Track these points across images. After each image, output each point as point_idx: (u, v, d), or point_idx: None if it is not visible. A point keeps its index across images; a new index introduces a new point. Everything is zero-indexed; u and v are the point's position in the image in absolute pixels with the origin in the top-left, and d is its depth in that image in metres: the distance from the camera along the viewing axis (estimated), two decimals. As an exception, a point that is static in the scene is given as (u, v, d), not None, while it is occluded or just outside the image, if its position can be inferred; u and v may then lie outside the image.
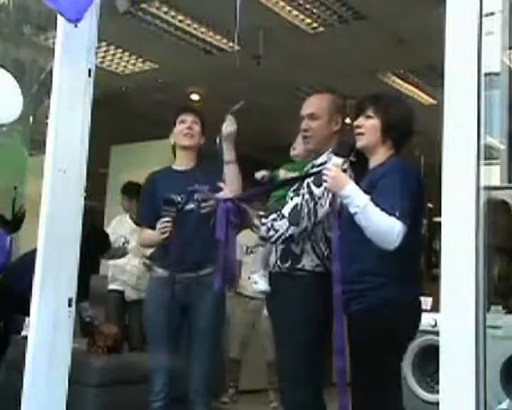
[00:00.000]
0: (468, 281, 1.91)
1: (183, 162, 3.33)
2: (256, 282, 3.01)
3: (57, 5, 2.71)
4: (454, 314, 1.93)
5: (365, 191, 2.48)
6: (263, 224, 2.78)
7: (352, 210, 2.46)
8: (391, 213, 2.39)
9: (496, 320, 3.77)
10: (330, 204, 2.68)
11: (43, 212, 2.86)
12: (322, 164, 2.81)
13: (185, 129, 3.29)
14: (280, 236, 2.75)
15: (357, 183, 2.53)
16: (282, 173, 3.18)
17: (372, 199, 2.44)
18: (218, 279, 2.81)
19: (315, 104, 2.96)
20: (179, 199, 3.15)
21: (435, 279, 2.16)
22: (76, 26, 2.79)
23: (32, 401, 2.75)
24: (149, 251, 3.99)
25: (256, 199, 3.27)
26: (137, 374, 3.34)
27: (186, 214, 3.13)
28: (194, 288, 3.14)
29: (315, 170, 2.82)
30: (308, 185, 2.78)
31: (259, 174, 3.21)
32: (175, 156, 3.42)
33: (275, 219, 2.76)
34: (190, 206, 3.15)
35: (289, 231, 2.74)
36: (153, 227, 3.23)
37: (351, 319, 2.58)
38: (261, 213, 2.87)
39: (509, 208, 4.07)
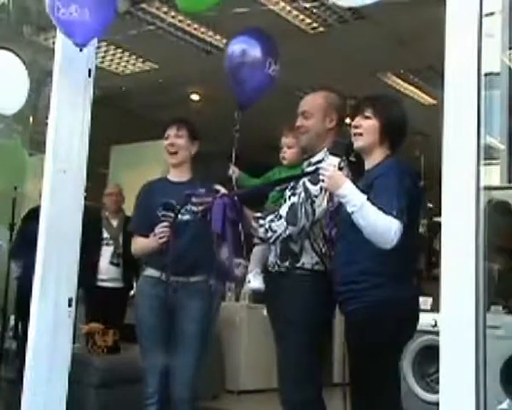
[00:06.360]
0: (468, 281, 1.91)
1: (176, 175, 3.30)
2: (249, 281, 3.00)
3: (66, 28, 2.73)
4: (454, 314, 1.93)
5: (362, 191, 2.48)
6: (261, 225, 2.78)
7: (349, 209, 2.46)
8: (388, 212, 2.39)
9: (496, 320, 3.77)
10: (328, 202, 2.68)
11: (43, 212, 2.86)
12: (318, 162, 2.81)
13: (168, 145, 3.25)
14: (278, 236, 2.75)
15: (355, 183, 2.53)
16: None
17: (369, 199, 2.44)
18: (212, 277, 2.78)
19: (308, 102, 2.98)
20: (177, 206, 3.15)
21: (435, 279, 2.16)
22: (81, 50, 2.82)
23: (32, 401, 2.75)
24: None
25: (253, 201, 3.24)
26: (137, 374, 3.33)
27: (182, 224, 3.11)
28: (182, 292, 3.11)
29: (311, 168, 2.83)
30: (304, 184, 2.78)
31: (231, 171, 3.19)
32: None
33: (272, 220, 2.76)
34: (186, 217, 3.13)
35: (287, 232, 2.74)
36: (146, 236, 3.21)
37: (349, 318, 2.58)
38: (258, 214, 2.87)
39: (509, 208, 4.07)
